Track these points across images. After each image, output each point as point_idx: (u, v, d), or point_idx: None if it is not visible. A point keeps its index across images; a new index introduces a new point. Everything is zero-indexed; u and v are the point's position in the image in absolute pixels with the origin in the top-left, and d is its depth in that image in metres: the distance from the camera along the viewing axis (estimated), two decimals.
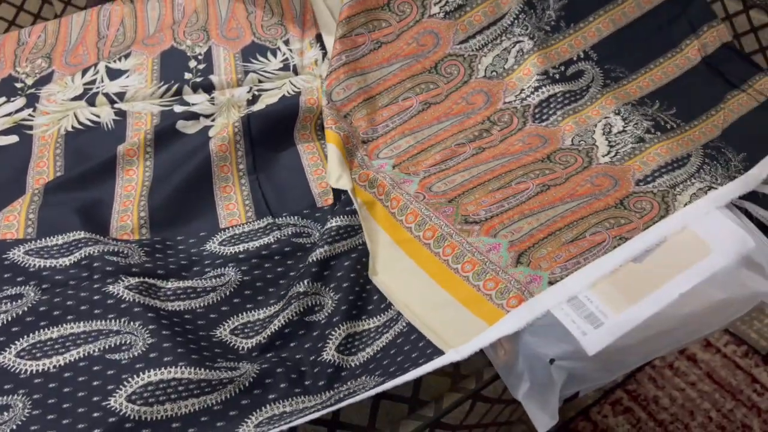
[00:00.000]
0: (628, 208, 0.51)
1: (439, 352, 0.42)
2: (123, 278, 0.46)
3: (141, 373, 0.41)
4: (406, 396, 0.45)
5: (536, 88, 0.61)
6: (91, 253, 0.48)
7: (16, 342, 0.43)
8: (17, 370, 0.41)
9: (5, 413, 0.39)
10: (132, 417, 0.39)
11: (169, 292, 0.47)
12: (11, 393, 0.40)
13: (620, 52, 0.65)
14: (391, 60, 0.63)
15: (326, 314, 0.46)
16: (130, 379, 0.41)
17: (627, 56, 0.65)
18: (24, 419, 0.39)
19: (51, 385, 0.41)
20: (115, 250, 0.49)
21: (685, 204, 0.50)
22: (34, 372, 0.41)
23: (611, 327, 0.41)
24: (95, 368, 0.41)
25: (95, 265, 0.47)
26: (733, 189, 0.51)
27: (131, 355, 0.42)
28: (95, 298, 0.45)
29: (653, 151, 0.56)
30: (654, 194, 0.52)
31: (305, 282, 0.47)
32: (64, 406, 0.40)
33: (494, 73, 0.63)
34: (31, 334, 0.43)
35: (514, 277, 0.46)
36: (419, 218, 0.52)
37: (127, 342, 0.43)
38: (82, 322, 0.43)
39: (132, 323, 0.43)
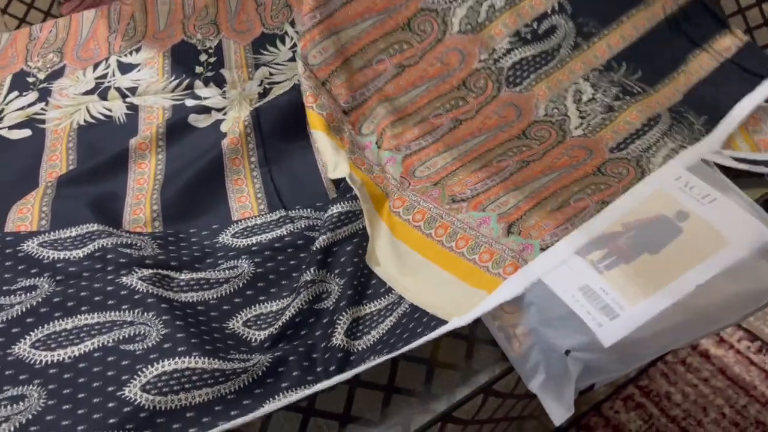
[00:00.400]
0: (606, 174, 0.53)
1: (444, 323, 0.43)
2: (136, 270, 0.46)
3: (155, 363, 0.41)
4: (417, 390, 0.45)
5: (508, 50, 0.61)
6: (105, 245, 0.48)
7: (31, 333, 0.43)
8: (32, 361, 0.41)
9: (21, 403, 0.39)
10: (146, 406, 0.39)
11: (182, 283, 0.47)
12: (27, 383, 0.40)
13: (595, 2, 0.64)
14: (364, 15, 0.61)
15: (333, 300, 0.46)
16: (144, 369, 0.41)
17: (601, 7, 0.64)
18: (39, 409, 0.39)
19: (66, 376, 0.41)
20: (128, 242, 0.49)
21: (660, 165, 0.52)
22: (49, 362, 0.41)
23: (627, 319, 0.41)
24: (110, 359, 0.41)
25: (109, 256, 0.47)
26: (701, 149, 0.54)
27: (145, 346, 0.42)
28: (109, 289, 0.45)
29: (623, 120, 0.57)
30: (628, 160, 0.54)
31: (311, 270, 0.47)
32: (80, 396, 0.40)
33: (469, 27, 0.61)
34: (45, 325, 0.43)
35: (507, 246, 0.47)
36: (407, 203, 0.52)
37: (141, 333, 0.43)
38: (96, 313, 0.44)
39: (146, 314, 0.43)
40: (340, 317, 0.45)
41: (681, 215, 0.48)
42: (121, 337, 0.42)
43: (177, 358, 0.41)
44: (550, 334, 0.41)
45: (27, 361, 0.41)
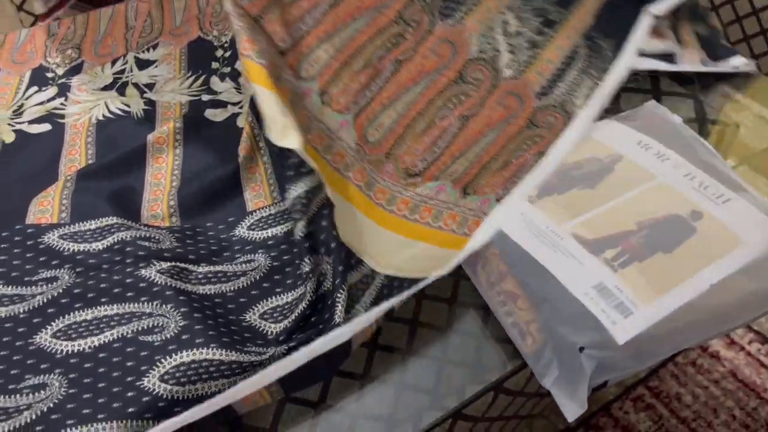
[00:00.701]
0: (538, 125, 0.57)
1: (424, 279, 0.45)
2: (155, 262, 0.47)
3: (173, 354, 0.41)
4: (428, 387, 0.45)
5: None
6: (124, 238, 0.49)
7: (52, 323, 0.43)
8: (53, 350, 0.42)
9: (42, 391, 0.40)
10: (165, 396, 0.40)
11: (200, 276, 0.47)
12: (48, 372, 0.41)
13: None
14: None
15: (330, 280, 0.46)
16: (162, 359, 0.41)
17: None
18: (60, 398, 0.40)
19: (86, 365, 0.41)
20: (147, 235, 0.50)
21: (581, 107, 0.57)
22: (69, 352, 0.42)
23: (641, 317, 0.41)
24: (129, 349, 0.42)
25: (128, 249, 0.48)
26: (611, 84, 0.58)
27: (163, 337, 0.43)
28: (128, 281, 0.45)
29: (545, 59, 0.59)
30: (555, 107, 0.57)
31: (307, 259, 0.47)
32: (100, 385, 0.40)
33: None
34: (66, 316, 0.44)
35: (467, 207, 0.52)
36: (367, 179, 0.54)
37: (160, 324, 0.43)
38: (115, 305, 0.44)
39: (164, 306, 0.44)
40: (338, 296, 0.45)
41: (695, 215, 0.48)
42: (140, 329, 0.43)
43: (195, 349, 0.41)
44: (564, 331, 0.41)
45: (48, 350, 0.42)
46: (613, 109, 0.62)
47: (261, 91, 0.48)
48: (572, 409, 0.40)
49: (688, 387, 0.92)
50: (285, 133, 0.46)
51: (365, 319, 0.42)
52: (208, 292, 0.46)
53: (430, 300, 0.50)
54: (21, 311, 0.44)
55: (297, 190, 0.48)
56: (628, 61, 0.60)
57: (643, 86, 0.64)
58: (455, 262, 0.46)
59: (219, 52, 0.71)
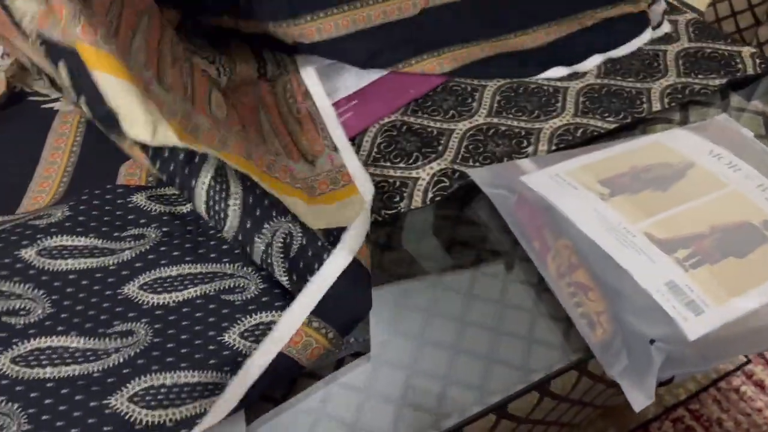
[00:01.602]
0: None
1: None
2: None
3: (253, 314, 0.43)
4: (475, 383, 0.45)
5: None
6: None
7: (139, 276, 0.46)
8: (140, 301, 0.44)
9: (129, 338, 0.42)
10: (244, 352, 0.41)
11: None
12: (135, 321, 0.43)
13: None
14: None
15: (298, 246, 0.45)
16: (243, 318, 0.43)
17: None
18: (146, 345, 0.42)
19: (170, 318, 0.43)
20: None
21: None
22: (155, 304, 0.44)
23: (712, 316, 0.42)
24: (211, 306, 0.44)
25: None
26: None
27: (244, 298, 0.44)
28: (211, 243, 0.47)
29: None
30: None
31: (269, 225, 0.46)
32: (182, 336, 0.42)
33: None
34: (152, 271, 0.46)
35: (323, 170, 0.55)
36: (245, 150, 0.52)
37: (241, 285, 0.45)
38: (199, 264, 0.46)
39: (245, 268, 0.46)
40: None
41: (767, 224, 0.48)
42: (221, 288, 0.45)
43: (274, 311, 0.43)
44: (636, 323, 0.42)
45: (135, 301, 0.44)
46: (682, 121, 0.63)
47: (111, 81, 0.43)
48: (639, 399, 0.41)
49: (730, 413, 0.91)
50: (157, 132, 0.43)
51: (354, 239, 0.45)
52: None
53: (480, 300, 0.50)
54: (111, 263, 0.46)
55: (204, 184, 0.45)
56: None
57: (713, 101, 0.65)
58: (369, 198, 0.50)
59: None
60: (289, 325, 0.42)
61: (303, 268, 0.44)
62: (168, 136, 0.43)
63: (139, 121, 0.43)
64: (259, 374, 0.40)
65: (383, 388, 0.44)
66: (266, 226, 0.45)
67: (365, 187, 0.52)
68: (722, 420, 0.89)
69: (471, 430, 0.44)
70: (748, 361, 0.96)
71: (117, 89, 0.43)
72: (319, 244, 0.45)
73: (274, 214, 0.45)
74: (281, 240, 0.45)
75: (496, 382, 0.45)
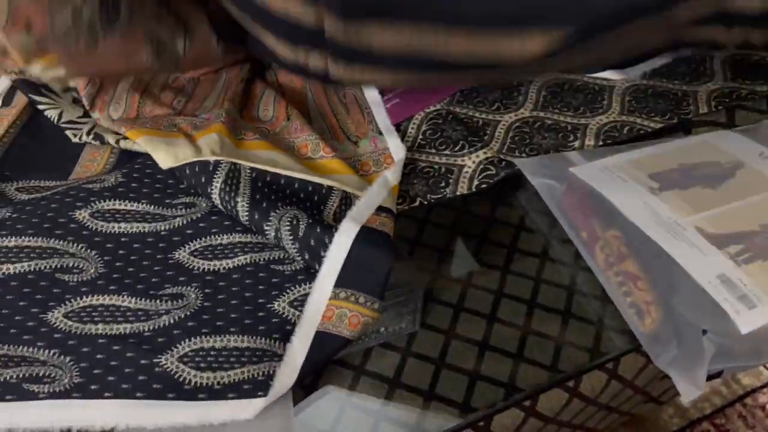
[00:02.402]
0: None
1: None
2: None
3: (302, 284, 0.43)
4: (502, 381, 0.45)
5: None
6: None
7: (190, 243, 0.46)
8: (190, 266, 0.45)
9: (180, 300, 0.43)
10: (293, 321, 0.42)
11: None
12: (185, 285, 0.44)
13: None
14: None
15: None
16: (292, 288, 0.43)
17: None
18: (196, 308, 0.42)
19: (221, 283, 0.44)
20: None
21: None
22: (205, 270, 0.45)
23: (765, 310, 0.41)
24: (261, 274, 0.44)
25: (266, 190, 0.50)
26: None
27: (294, 268, 0.45)
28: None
29: None
30: None
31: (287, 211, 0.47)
32: (232, 302, 0.43)
33: None
34: (203, 238, 0.46)
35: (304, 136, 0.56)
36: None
37: (289, 257, 0.45)
38: (249, 234, 0.47)
39: None
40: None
41: None
42: (271, 258, 0.45)
43: None
44: (687, 314, 0.42)
45: (186, 265, 0.45)
46: (728, 124, 0.62)
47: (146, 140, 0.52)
48: (689, 390, 0.40)
49: (755, 429, 0.89)
50: (178, 154, 0.50)
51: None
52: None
53: (509, 299, 0.50)
54: (162, 229, 0.46)
55: (218, 185, 0.48)
56: None
57: (760, 107, 0.64)
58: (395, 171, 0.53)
59: None
60: (318, 304, 0.42)
61: (315, 245, 0.44)
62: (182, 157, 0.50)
63: (165, 154, 0.51)
64: (303, 359, 0.40)
65: (410, 380, 0.43)
66: (272, 214, 0.46)
67: (392, 170, 0.53)
68: None
69: (498, 427, 0.44)
70: None
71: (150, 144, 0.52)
72: (325, 223, 0.45)
73: (279, 205, 0.46)
74: (288, 222, 0.45)
75: (523, 380, 0.45)
